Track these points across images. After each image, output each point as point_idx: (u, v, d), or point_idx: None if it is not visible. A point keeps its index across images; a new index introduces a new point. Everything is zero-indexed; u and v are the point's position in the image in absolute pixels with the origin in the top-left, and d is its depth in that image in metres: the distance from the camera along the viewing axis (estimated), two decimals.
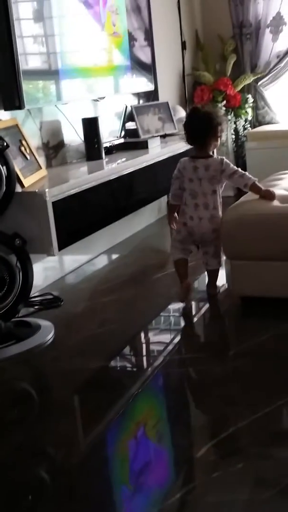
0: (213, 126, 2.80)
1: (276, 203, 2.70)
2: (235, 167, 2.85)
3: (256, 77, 5.06)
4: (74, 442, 1.97)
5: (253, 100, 5.06)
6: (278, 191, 2.86)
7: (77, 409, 2.21)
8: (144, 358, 2.56)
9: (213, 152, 2.94)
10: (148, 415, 2.11)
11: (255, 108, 5.15)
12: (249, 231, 2.65)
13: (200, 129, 2.83)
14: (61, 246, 2.80)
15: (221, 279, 3.09)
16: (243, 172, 2.83)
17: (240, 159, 5.12)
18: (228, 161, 2.85)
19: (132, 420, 2.06)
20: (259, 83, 5.09)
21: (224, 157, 2.90)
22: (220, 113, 2.98)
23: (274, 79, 5.10)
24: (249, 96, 5.04)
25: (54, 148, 3.46)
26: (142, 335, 2.77)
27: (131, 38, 4.05)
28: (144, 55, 4.24)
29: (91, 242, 3.51)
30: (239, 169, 2.84)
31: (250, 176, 2.81)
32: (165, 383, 2.32)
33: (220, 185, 2.89)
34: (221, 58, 5.09)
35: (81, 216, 2.99)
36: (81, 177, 3.05)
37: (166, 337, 2.68)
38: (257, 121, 5.21)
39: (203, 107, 3.07)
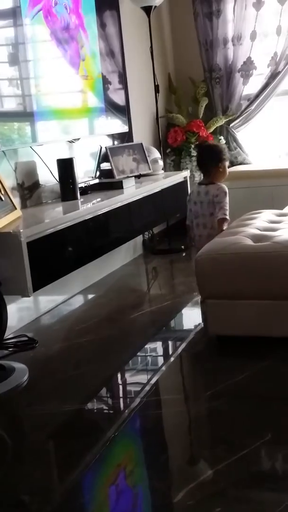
0: (212, 158, 3.26)
1: (249, 242, 2.74)
2: (225, 200, 3.19)
3: (227, 119, 5.19)
4: (50, 489, 1.92)
5: (225, 141, 5.17)
6: (251, 230, 2.90)
7: (52, 455, 2.16)
8: (121, 400, 2.53)
9: (217, 180, 3.29)
10: (125, 459, 2.07)
11: (228, 149, 5.25)
12: (223, 270, 2.67)
13: (202, 160, 3.37)
14: (36, 287, 2.78)
15: (197, 319, 3.10)
16: (226, 208, 3.18)
17: None
18: (224, 191, 3.21)
19: (108, 465, 2.02)
20: (231, 125, 5.22)
21: (223, 187, 3.25)
22: (220, 147, 3.37)
23: (245, 121, 5.23)
24: (222, 137, 5.15)
25: (29, 189, 3.47)
26: (119, 376, 2.74)
27: (106, 81, 4.14)
28: (118, 98, 4.32)
29: (67, 282, 3.50)
30: (226, 204, 3.19)
31: (227, 214, 3.17)
32: (142, 425, 2.28)
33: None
34: (193, 100, 5.22)
35: (57, 256, 2.99)
36: (56, 217, 3.05)
37: (143, 378, 2.66)
38: (229, 162, 5.30)
39: (205, 142, 3.61)
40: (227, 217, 3.16)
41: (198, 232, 3.27)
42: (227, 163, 3.33)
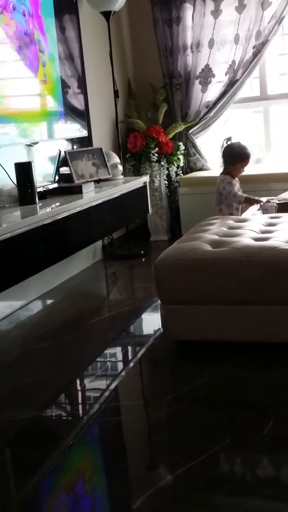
0: (227, 155, 3.94)
1: (208, 248, 2.76)
2: (225, 186, 3.86)
3: (186, 126, 5.23)
4: (6, 499, 1.88)
5: (184, 147, 5.21)
6: (210, 236, 2.92)
7: (8, 464, 2.11)
8: (80, 407, 2.51)
9: (231, 175, 3.92)
10: (83, 467, 2.05)
11: (187, 155, 5.30)
12: (182, 275, 2.68)
13: (222, 153, 3.98)
14: None
15: (156, 324, 3.10)
16: (236, 194, 3.83)
17: (173, 204, 5.22)
18: (227, 181, 3.87)
19: (66, 473, 1.99)
20: (190, 131, 5.26)
21: (227, 177, 3.90)
22: (240, 152, 3.90)
23: (204, 128, 5.28)
24: (181, 143, 5.18)
25: None
26: (78, 382, 2.72)
27: (64, 85, 4.11)
28: (77, 102, 4.30)
29: (25, 287, 3.45)
30: (232, 192, 3.83)
31: (237, 198, 3.82)
32: (101, 432, 2.26)
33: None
34: (152, 106, 5.24)
35: (14, 261, 2.94)
36: (14, 222, 3.01)
37: (102, 384, 2.64)
38: (188, 168, 5.35)
39: (230, 139, 4.02)
40: (238, 199, 3.79)
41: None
42: (241, 166, 3.88)
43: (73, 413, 2.45)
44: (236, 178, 3.96)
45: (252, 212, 3.85)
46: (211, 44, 5.08)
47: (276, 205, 3.70)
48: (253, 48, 5.02)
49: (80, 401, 2.56)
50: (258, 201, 3.80)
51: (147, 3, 5.15)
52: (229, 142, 3.98)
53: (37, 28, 3.73)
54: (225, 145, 3.99)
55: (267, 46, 5.02)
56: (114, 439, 2.22)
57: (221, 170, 4.05)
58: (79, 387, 2.67)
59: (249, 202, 3.85)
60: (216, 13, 5.02)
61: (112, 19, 4.63)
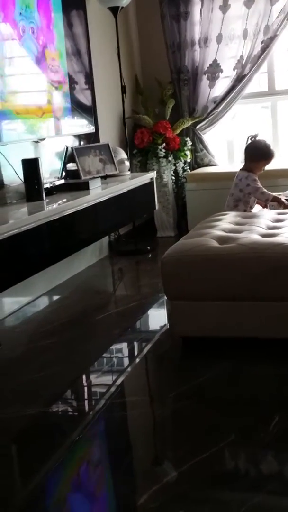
0: (249, 151, 3.89)
1: (214, 244, 2.75)
2: (249, 183, 3.78)
3: (194, 121, 5.21)
4: (12, 494, 1.89)
5: (191, 143, 5.20)
6: (216, 232, 2.92)
7: (14, 459, 2.12)
8: (86, 402, 2.51)
9: (252, 172, 3.85)
10: (89, 462, 2.06)
11: (194, 150, 5.28)
12: (188, 271, 2.68)
13: (246, 149, 3.93)
14: (1, 288, 2.74)
15: (162, 320, 3.10)
16: (260, 191, 3.76)
17: (180, 200, 5.22)
18: (252, 178, 3.79)
19: (72, 468, 2.00)
20: (197, 127, 5.24)
21: (251, 174, 3.81)
22: (263, 150, 3.86)
23: (211, 123, 5.26)
24: (188, 139, 5.17)
25: None
26: (84, 378, 2.73)
27: (72, 81, 4.11)
28: (84, 98, 4.30)
29: (32, 283, 3.46)
30: (259, 189, 3.76)
31: (264, 195, 3.75)
32: (107, 428, 2.27)
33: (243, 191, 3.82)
34: (160, 102, 5.23)
35: (21, 257, 2.95)
36: (21, 218, 3.01)
37: (108, 379, 2.65)
38: (196, 163, 5.33)
39: (255, 138, 3.96)
40: (266, 197, 3.73)
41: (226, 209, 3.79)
42: (264, 164, 3.85)
43: (79, 409, 2.46)
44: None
45: (259, 208, 3.84)
46: (219, 39, 5.06)
47: None
48: (262, 43, 4.99)
49: (86, 396, 2.57)
50: (285, 205, 3.70)
51: None
52: (253, 139, 3.91)
53: (46, 43, 3.73)
54: (249, 141, 3.93)
55: (276, 41, 4.99)
56: (119, 435, 2.22)
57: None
58: (85, 383, 2.68)
59: (277, 200, 3.73)
60: (224, 8, 4.99)
61: (119, 14, 4.62)
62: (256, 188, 3.77)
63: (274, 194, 3.77)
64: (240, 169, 3.89)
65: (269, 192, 3.76)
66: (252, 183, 3.78)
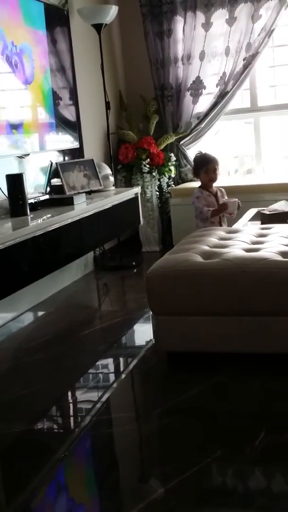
0: (193, 166, 4.05)
1: (199, 259, 2.76)
2: (194, 201, 3.81)
3: (178, 137, 5.25)
4: None
5: (175, 158, 5.23)
6: (201, 247, 2.93)
7: None
8: (71, 419, 2.49)
9: (204, 185, 3.89)
10: (75, 480, 2.03)
11: (178, 166, 5.32)
12: (173, 286, 2.69)
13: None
14: None
15: (148, 335, 3.10)
16: (199, 210, 3.77)
17: (164, 215, 5.24)
18: (196, 196, 3.81)
19: (58, 486, 1.98)
20: (181, 143, 5.28)
21: (195, 191, 3.85)
22: (197, 159, 3.93)
23: (195, 139, 5.30)
24: (172, 154, 5.21)
25: None
26: (69, 394, 2.71)
27: (56, 97, 4.13)
28: (69, 114, 4.32)
29: (16, 299, 3.44)
30: (199, 208, 3.77)
31: (203, 213, 3.76)
32: (93, 445, 2.25)
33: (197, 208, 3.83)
34: (144, 118, 5.26)
35: (6, 273, 2.94)
36: (5, 234, 3.00)
37: (93, 396, 2.63)
38: (180, 179, 5.37)
39: (199, 152, 4.04)
40: (205, 215, 3.73)
41: None
42: (205, 171, 3.81)
43: (64, 426, 2.43)
44: (219, 189, 3.89)
45: (242, 223, 3.87)
46: (202, 56, 5.12)
47: (239, 201, 3.77)
48: (244, 60, 5.06)
49: (71, 413, 2.55)
50: (224, 207, 3.74)
51: (138, 16, 5.19)
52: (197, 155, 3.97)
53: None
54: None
55: (257, 58, 5.07)
56: (105, 452, 2.21)
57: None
58: (70, 399, 2.66)
59: (216, 213, 3.75)
60: (207, 25, 5.06)
61: (103, 31, 4.66)
62: (195, 207, 3.80)
63: (211, 209, 3.74)
64: None
65: (207, 209, 3.74)
66: (195, 201, 3.81)
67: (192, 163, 5.25)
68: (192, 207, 3.87)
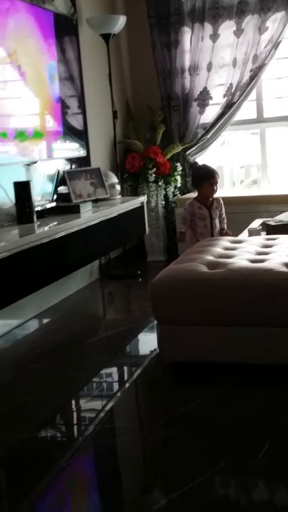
0: (191, 180, 4.13)
1: (204, 269, 2.77)
2: (183, 214, 3.88)
3: (184, 147, 5.27)
4: None
5: (181, 168, 5.25)
6: (206, 257, 2.94)
7: (1, 485, 2.10)
8: (75, 428, 2.50)
9: (205, 197, 3.88)
10: (77, 489, 2.03)
11: (184, 176, 5.33)
12: (178, 296, 2.69)
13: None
14: None
15: (153, 344, 3.10)
16: (183, 221, 3.85)
17: (170, 224, 5.25)
18: (184, 207, 3.89)
19: (60, 495, 1.98)
20: (187, 152, 5.30)
21: (187, 203, 3.89)
22: (194, 171, 4.06)
23: (201, 149, 5.32)
24: (178, 164, 5.22)
25: None
26: (73, 403, 2.71)
27: (64, 105, 4.15)
28: (76, 122, 4.35)
29: (22, 306, 3.45)
30: (183, 219, 3.86)
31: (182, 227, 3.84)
32: (95, 454, 2.25)
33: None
34: (151, 127, 5.29)
35: (12, 280, 2.95)
36: (12, 241, 3.02)
37: (97, 404, 2.63)
38: (186, 188, 5.38)
39: (193, 166, 4.27)
40: (181, 230, 3.81)
41: None
42: (208, 184, 3.80)
43: (68, 435, 2.44)
44: (216, 199, 3.86)
45: (245, 234, 3.87)
46: (209, 67, 5.14)
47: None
48: (250, 71, 5.09)
49: (75, 422, 2.55)
50: (182, 237, 3.82)
51: (146, 26, 5.22)
52: (192, 168, 4.03)
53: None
54: (191, 171, 4.01)
55: (264, 70, 5.09)
56: (108, 462, 2.21)
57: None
58: (74, 408, 2.66)
59: (177, 239, 3.91)
60: (214, 36, 5.09)
61: (111, 41, 4.69)
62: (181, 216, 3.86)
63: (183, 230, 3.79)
64: None
65: (182, 227, 3.81)
66: (183, 212, 3.85)
67: (193, 173, 5.29)
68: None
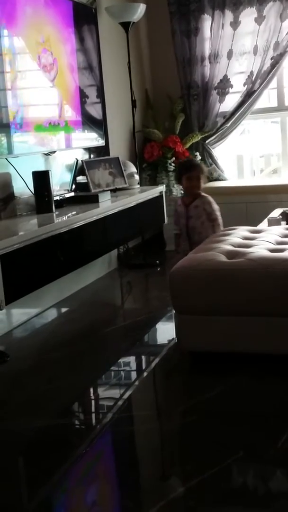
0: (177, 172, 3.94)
1: (223, 258, 2.75)
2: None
3: (203, 136, 5.23)
4: (20, 506, 1.88)
5: (201, 157, 5.21)
6: (225, 246, 2.92)
7: (21, 472, 2.12)
8: (93, 416, 2.51)
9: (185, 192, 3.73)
10: (95, 476, 2.05)
11: (203, 165, 5.29)
12: (197, 286, 2.68)
13: None
14: (9, 300, 2.76)
15: (171, 333, 3.10)
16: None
17: None
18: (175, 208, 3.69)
19: (78, 482, 1.99)
20: (206, 141, 5.26)
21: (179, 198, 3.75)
22: (185, 164, 3.81)
23: (221, 138, 5.28)
24: (197, 153, 5.19)
25: (4, 201, 3.44)
26: (91, 391, 2.72)
27: (83, 95, 4.15)
28: (95, 112, 4.34)
29: (40, 295, 3.47)
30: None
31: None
32: (114, 442, 2.26)
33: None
34: (170, 116, 5.26)
35: (31, 269, 2.96)
36: (31, 230, 3.03)
37: (115, 393, 2.64)
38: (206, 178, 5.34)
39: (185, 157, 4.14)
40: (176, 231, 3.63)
41: None
42: (185, 178, 3.55)
43: (86, 422, 2.45)
44: (205, 201, 3.53)
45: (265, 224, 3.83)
46: (229, 55, 5.09)
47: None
48: (271, 59, 5.02)
49: (93, 410, 2.56)
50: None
51: (166, 14, 5.18)
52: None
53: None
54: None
55: (285, 57, 5.02)
56: (126, 449, 2.21)
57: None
58: (92, 396, 2.68)
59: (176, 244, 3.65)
60: (235, 24, 5.03)
61: (131, 29, 4.66)
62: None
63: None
64: None
65: (176, 227, 3.60)
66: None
67: (213, 163, 5.25)
68: None
